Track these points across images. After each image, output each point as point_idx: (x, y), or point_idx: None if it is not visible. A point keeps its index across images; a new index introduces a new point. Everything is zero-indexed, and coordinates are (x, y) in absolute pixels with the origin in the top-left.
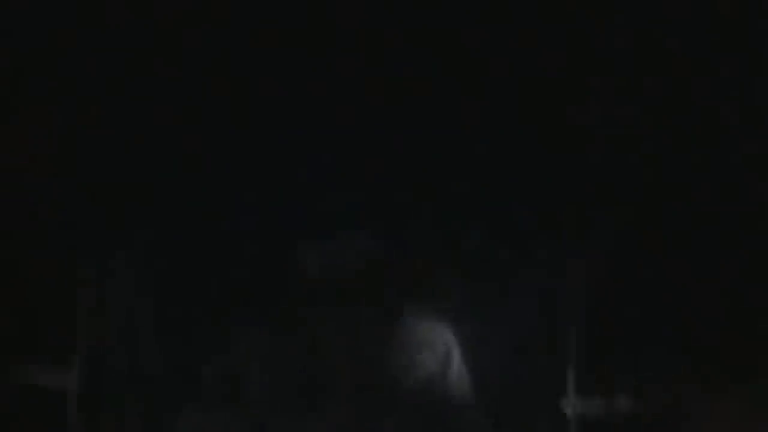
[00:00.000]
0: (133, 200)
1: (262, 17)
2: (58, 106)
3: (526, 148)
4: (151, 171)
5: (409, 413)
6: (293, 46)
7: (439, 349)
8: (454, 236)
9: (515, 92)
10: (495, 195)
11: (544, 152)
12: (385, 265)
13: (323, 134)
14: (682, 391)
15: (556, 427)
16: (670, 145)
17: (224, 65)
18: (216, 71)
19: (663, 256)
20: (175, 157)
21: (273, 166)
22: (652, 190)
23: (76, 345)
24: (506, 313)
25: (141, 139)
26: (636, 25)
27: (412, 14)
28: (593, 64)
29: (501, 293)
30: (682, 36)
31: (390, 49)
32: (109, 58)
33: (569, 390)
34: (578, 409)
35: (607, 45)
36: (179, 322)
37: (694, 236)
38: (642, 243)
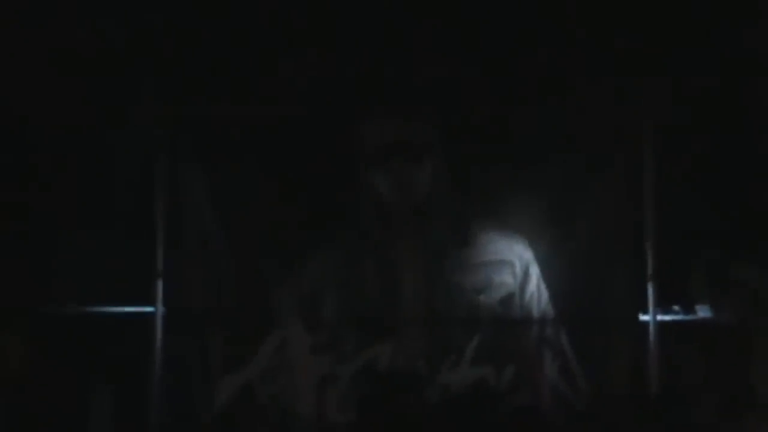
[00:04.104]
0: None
1: None
2: None
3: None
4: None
5: (487, 333)
6: None
7: (518, 268)
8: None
9: None
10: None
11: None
12: (458, 185)
13: None
14: (759, 303)
15: (636, 337)
16: None
17: None
18: None
19: (739, 168)
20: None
21: None
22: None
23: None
24: (583, 230)
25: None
26: None
27: None
28: None
29: (577, 210)
30: None
31: None
32: None
33: (649, 303)
34: (658, 320)
35: None
36: (255, 245)
37: None
38: (718, 157)
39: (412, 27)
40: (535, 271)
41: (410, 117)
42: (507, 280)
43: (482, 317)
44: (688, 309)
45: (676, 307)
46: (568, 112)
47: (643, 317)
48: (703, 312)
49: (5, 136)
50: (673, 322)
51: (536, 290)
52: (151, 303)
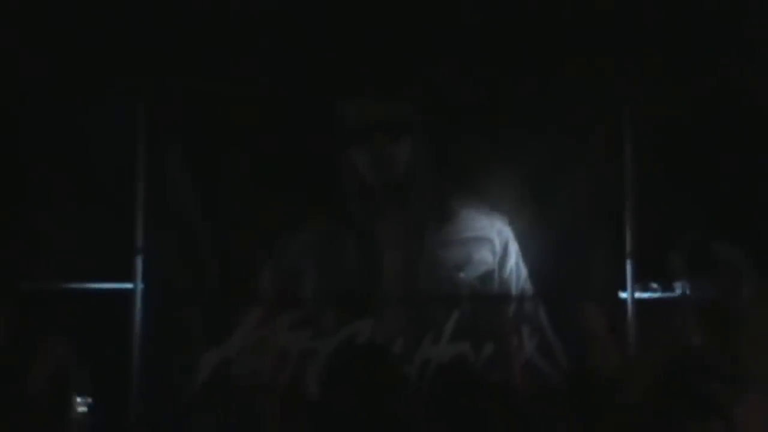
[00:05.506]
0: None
1: None
2: None
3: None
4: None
5: (466, 310)
6: None
7: (497, 245)
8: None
9: None
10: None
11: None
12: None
13: None
14: (736, 279)
15: (615, 312)
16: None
17: None
18: None
19: (717, 148)
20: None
21: None
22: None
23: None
24: (562, 208)
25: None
26: None
27: None
28: None
29: (557, 188)
30: None
31: None
32: None
33: (628, 280)
34: (636, 296)
35: None
36: (235, 223)
37: (750, 128)
38: (695, 135)
39: (394, 6)
40: (514, 248)
41: (390, 96)
42: (486, 257)
43: (462, 294)
44: (667, 286)
45: (654, 285)
46: (548, 92)
47: (622, 294)
48: (681, 289)
49: None
50: (652, 299)
51: (515, 267)
52: (131, 280)
